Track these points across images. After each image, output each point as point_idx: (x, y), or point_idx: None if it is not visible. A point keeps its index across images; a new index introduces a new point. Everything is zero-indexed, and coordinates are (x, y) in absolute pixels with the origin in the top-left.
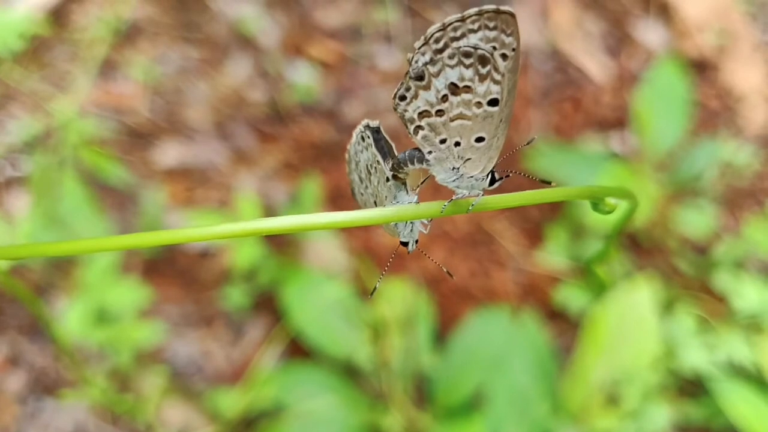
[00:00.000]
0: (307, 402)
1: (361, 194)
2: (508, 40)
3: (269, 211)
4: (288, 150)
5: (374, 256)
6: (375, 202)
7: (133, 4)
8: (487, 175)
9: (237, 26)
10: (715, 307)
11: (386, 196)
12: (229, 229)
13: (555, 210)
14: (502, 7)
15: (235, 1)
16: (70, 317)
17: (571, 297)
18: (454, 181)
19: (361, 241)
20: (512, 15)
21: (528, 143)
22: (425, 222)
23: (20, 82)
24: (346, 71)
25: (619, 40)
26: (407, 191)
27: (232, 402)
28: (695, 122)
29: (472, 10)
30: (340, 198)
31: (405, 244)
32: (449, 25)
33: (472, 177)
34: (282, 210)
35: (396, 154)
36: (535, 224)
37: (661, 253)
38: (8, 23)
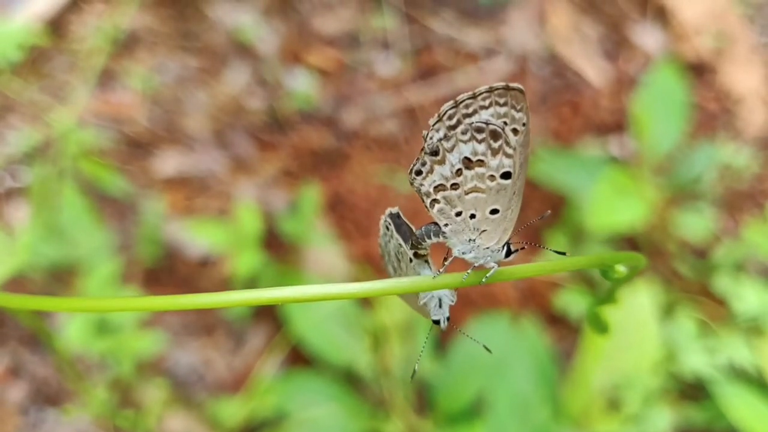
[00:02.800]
0: (308, 410)
1: None
2: (518, 115)
3: (269, 219)
4: (287, 158)
5: (374, 263)
6: None
7: (132, 13)
8: (503, 247)
9: (235, 35)
10: (715, 310)
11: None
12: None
13: (554, 215)
14: (512, 84)
15: (233, 9)
16: (70, 328)
17: (571, 302)
18: (471, 251)
19: (360, 248)
20: (521, 91)
21: (541, 218)
22: (452, 297)
23: (19, 92)
24: (345, 78)
25: (616, 44)
26: (431, 268)
27: (233, 411)
28: (694, 125)
29: (483, 88)
30: (339, 205)
31: (437, 322)
32: (461, 102)
33: (488, 248)
34: (282, 218)
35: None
36: (534, 230)
37: (660, 256)
38: (7, 34)
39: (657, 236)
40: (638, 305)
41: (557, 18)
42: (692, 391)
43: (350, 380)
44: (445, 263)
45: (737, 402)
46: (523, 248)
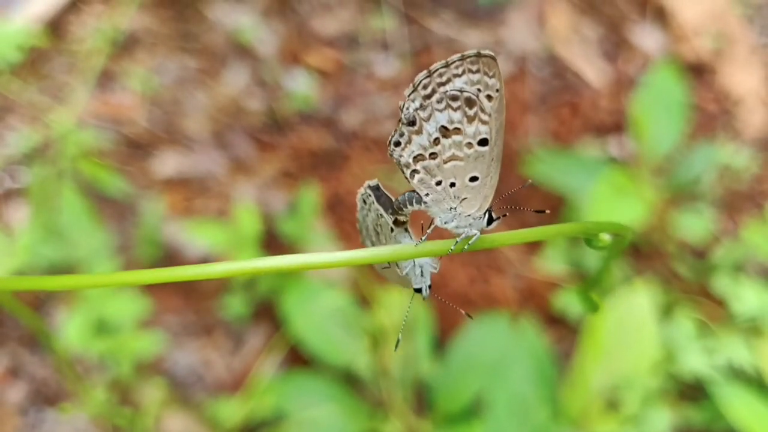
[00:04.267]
0: (307, 410)
1: None
2: (491, 81)
3: (268, 220)
4: (286, 159)
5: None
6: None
7: (131, 14)
8: (485, 214)
9: (234, 36)
10: (714, 310)
11: None
12: (221, 269)
13: (553, 216)
14: (483, 51)
15: (233, 10)
16: (69, 328)
17: (570, 303)
18: (452, 220)
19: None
20: (493, 58)
21: (523, 187)
22: (434, 264)
23: (18, 93)
24: (344, 79)
25: (616, 45)
26: (411, 237)
27: (232, 411)
28: (693, 126)
29: (455, 56)
30: (338, 206)
31: (419, 290)
32: (435, 71)
33: (469, 216)
34: (281, 219)
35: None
36: (533, 226)
37: (659, 257)
38: (6, 35)
39: (656, 237)
40: (637, 306)
41: (556, 19)
42: (691, 392)
43: (349, 380)
44: (428, 231)
45: (736, 402)
46: (505, 215)
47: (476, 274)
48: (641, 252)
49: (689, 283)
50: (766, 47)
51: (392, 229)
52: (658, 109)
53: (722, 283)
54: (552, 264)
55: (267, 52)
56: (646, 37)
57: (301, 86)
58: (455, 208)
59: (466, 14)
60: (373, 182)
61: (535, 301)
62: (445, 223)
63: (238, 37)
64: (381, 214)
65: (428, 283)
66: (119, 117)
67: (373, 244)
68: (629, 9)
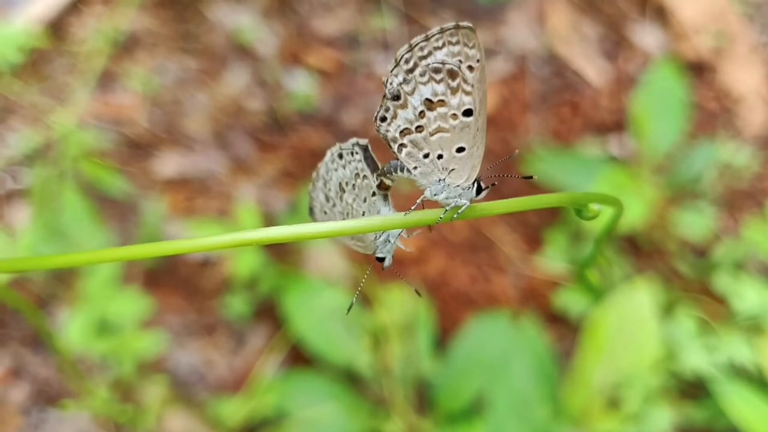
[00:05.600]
0: (308, 409)
1: (324, 212)
2: (471, 52)
3: (269, 220)
4: (287, 158)
5: (374, 263)
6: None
7: (131, 15)
8: (473, 184)
9: (235, 36)
10: (715, 308)
11: (364, 212)
12: (228, 239)
13: (554, 215)
14: (462, 23)
15: (233, 11)
16: (71, 328)
17: (570, 301)
18: (442, 191)
19: None
20: (472, 29)
21: (510, 156)
22: (405, 237)
23: (20, 95)
24: (344, 79)
25: (616, 44)
26: (390, 206)
27: (234, 410)
28: (693, 124)
29: (435, 29)
30: None
31: (381, 259)
32: (416, 45)
33: (458, 186)
34: (281, 218)
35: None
36: (534, 229)
37: (660, 255)
38: (7, 36)
39: (657, 235)
40: (638, 304)
41: (556, 18)
42: (692, 390)
43: (350, 379)
44: (414, 207)
45: (737, 400)
46: (494, 185)
47: (477, 273)
48: (642, 250)
49: (690, 281)
50: (766, 45)
51: (374, 193)
52: (659, 107)
53: (723, 281)
54: (552, 263)
55: (267, 52)
56: (647, 36)
57: (301, 86)
58: (444, 180)
59: (466, 13)
60: (362, 141)
61: (535, 299)
62: (434, 195)
63: (238, 38)
64: (365, 175)
65: (392, 253)
66: (120, 117)
67: (328, 199)
68: (629, 8)
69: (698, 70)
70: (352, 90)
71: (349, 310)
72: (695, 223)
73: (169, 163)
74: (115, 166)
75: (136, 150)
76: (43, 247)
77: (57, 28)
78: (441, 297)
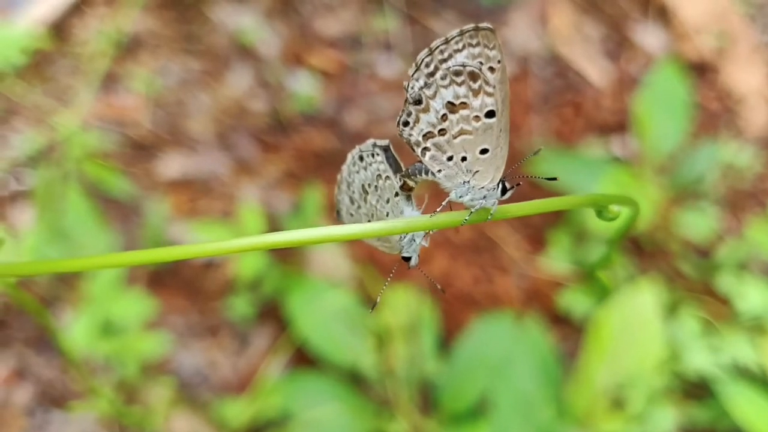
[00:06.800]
0: (313, 410)
1: (351, 215)
2: (492, 53)
3: (272, 221)
4: (290, 159)
5: (377, 263)
6: (369, 222)
7: (134, 17)
8: (498, 185)
9: (237, 37)
10: (718, 309)
11: (388, 213)
12: (237, 244)
13: (557, 215)
14: (481, 24)
15: (235, 12)
16: (75, 330)
17: (574, 301)
18: (467, 193)
19: (364, 249)
20: (491, 30)
21: (535, 153)
22: (426, 239)
23: (23, 96)
24: (347, 80)
25: (618, 44)
26: (413, 206)
27: (238, 411)
28: (696, 125)
29: (454, 32)
30: None
31: (407, 259)
32: (436, 48)
33: (483, 188)
34: (285, 219)
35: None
36: (537, 229)
37: (663, 256)
38: (10, 38)
39: (660, 236)
40: (642, 304)
41: (559, 18)
42: (696, 391)
43: (355, 380)
44: (439, 209)
45: (741, 401)
46: (518, 185)
47: (480, 274)
48: (645, 251)
49: (693, 282)
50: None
51: (397, 194)
52: (661, 108)
53: (726, 282)
54: (556, 263)
55: (270, 53)
56: (649, 36)
57: (304, 87)
58: (468, 182)
59: (469, 14)
60: (383, 142)
61: (539, 300)
62: (459, 197)
63: (241, 39)
64: (387, 176)
65: (418, 252)
66: (123, 119)
67: (353, 202)
68: (631, 8)
69: (700, 71)
70: (354, 91)
71: (373, 308)
72: (698, 223)
73: (172, 165)
74: (119, 167)
75: (139, 151)
76: (47, 248)
77: (60, 29)
78: (445, 298)
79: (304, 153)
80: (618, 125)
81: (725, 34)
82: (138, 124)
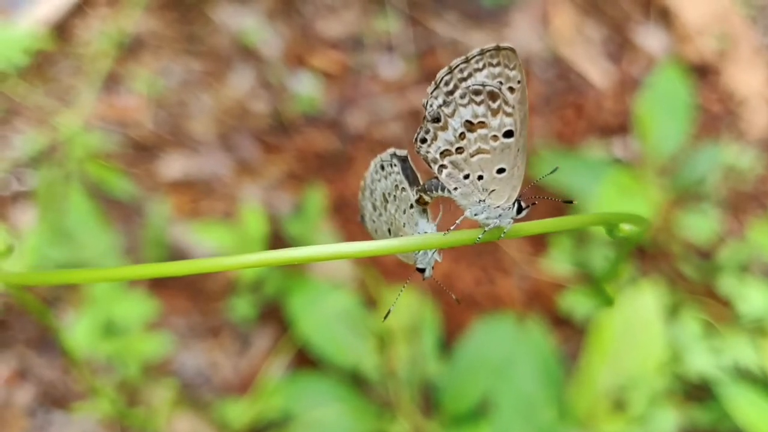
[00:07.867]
0: (314, 411)
1: (373, 221)
2: (512, 74)
3: (274, 222)
4: (292, 160)
5: (379, 265)
6: (389, 230)
7: (136, 17)
8: (514, 204)
9: (239, 38)
10: (720, 311)
11: (404, 224)
12: (249, 259)
13: (559, 215)
14: (503, 44)
15: (237, 13)
16: (77, 330)
17: (576, 303)
18: (482, 212)
19: None
20: (512, 50)
21: (552, 172)
22: (439, 252)
23: (25, 97)
24: (349, 81)
25: (620, 46)
26: (428, 219)
27: (240, 413)
28: (697, 126)
29: (474, 51)
30: (344, 207)
31: (421, 270)
32: (456, 67)
33: (498, 207)
34: (286, 220)
35: (421, 182)
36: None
37: (665, 258)
38: (12, 39)
39: (662, 238)
40: (643, 306)
41: (560, 20)
42: (697, 392)
43: (356, 382)
44: (457, 222)
45: (742, 403)
46: (534, 204)
47: (482, 276)
48: (647, 253)
49: (695, 284)
50: None
51: (412, 206)
52: (663, 109)
53: (728, 284)
54: (557, 265)
55: (272, 54)
56: (650, 38)
57: (306, 88)
58: (484, 200)
59: (470, 16)
60: (401, 152)
61: (540, 301)
62: (475, 215)
63: (242, 40)
64: (403, 187)
65: (432, 264)
66: (125, 119)
67: (375, 209)
68: (633, 9)
69: (702, 73)
70: (356, 92)
71: (386, 317)
72: (699, 225)
73: (174, 165)
74: (120, 167)
75: (140, 152)
76: (49, 249)
77: (62, 30)
78: (446, 300)
79: (306, 154)
80: (619, 127)
81: (727, 35)
82: (140, 125)
